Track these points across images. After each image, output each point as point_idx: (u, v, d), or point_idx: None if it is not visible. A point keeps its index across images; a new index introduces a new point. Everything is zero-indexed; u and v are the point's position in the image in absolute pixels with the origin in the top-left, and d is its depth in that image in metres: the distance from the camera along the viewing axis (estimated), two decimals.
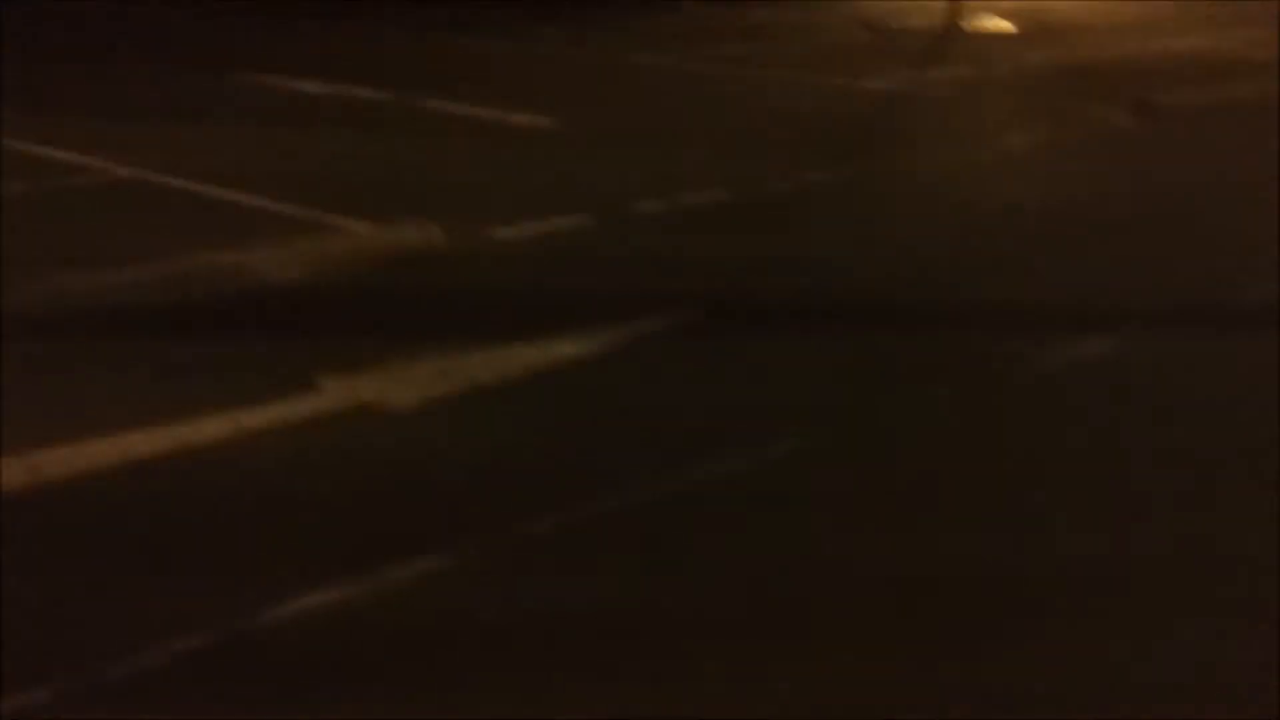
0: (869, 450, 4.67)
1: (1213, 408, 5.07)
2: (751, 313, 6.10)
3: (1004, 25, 17.51)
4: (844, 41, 16.37)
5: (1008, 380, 5.30)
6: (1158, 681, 3.34)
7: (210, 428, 4.64)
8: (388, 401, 4.93)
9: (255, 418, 4.74)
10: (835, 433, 4.79)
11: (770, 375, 5.36)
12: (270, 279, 6.36)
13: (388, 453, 4.59)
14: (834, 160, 9.28)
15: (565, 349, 5.46)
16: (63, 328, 5.74)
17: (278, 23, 18.37)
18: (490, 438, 4.75)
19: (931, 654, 3.44)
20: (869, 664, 3.40)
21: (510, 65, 14.54)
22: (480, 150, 9.60)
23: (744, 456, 4.54)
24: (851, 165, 9.15)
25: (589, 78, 13.76)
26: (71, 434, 4.54)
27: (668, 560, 3.90)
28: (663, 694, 3.27)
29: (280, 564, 3.82)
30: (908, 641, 3.49)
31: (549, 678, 3.32)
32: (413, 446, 4.64)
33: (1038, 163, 9.54)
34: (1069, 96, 12.08)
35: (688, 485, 4.33)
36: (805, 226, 7.66)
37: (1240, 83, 12.65)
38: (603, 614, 3.62)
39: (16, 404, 4.89)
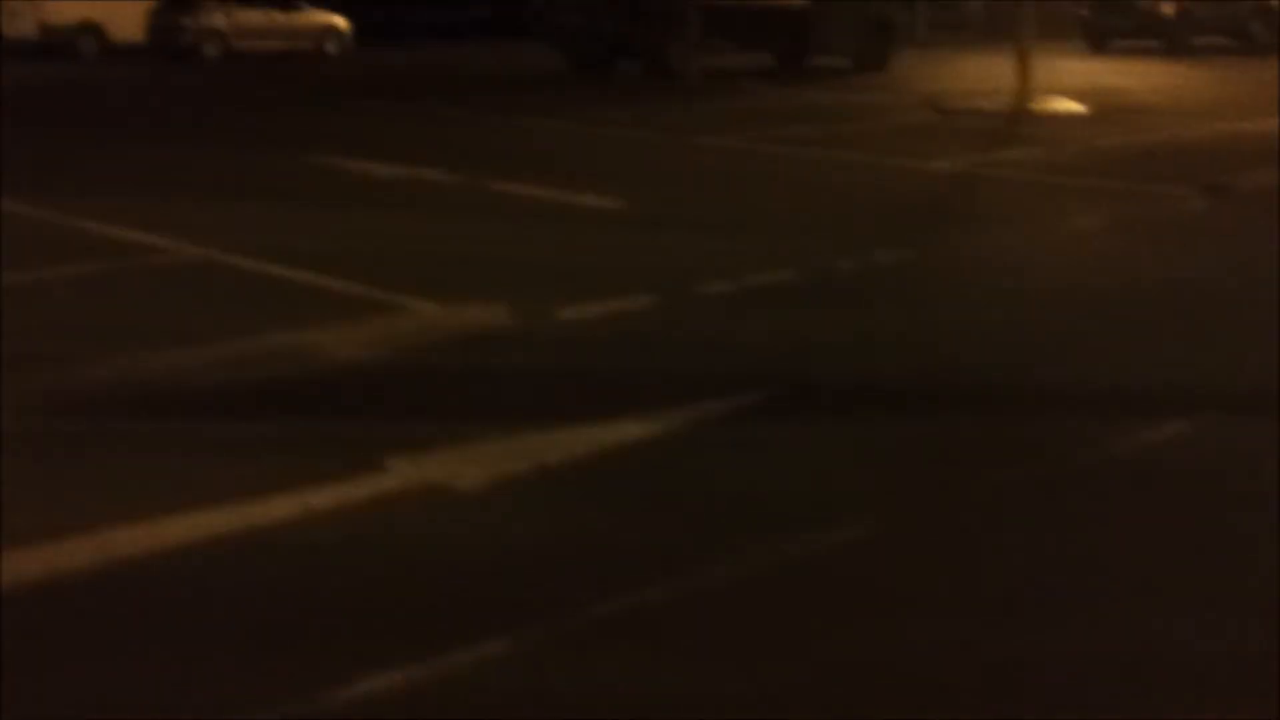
0: (936, 535, 4.60)
1: None
2: (817, 395, 6.06)
3: (1074, 107, 17.46)
4: (911, 123, 16.39)
5: (1079, 464, 5.21)
6: None
7: (277, 507, 4.64)
8: (454, 482, 4.92)
9: (322, 497, 4.74)
10: (901, 517, 4.72)
11: (836, 458, 5.30)
12: (338, 359, 6.39)
13: (454, 533, 4.57)
14: (901, 241, 9.25)
15: (631, 430, 5.43)
16: (132, 407, 5.78)
17: (347, 105, 18.61)
18: (556, 518, 4.72)
19: None
20: None
21: (576, 147, 14.65)
22: (546, 231, 9.65)
23: (808, 541, 4.47)
24: (919, 246, 9.12)
25: (654, 159, 13.84)
26: (139, 512, 4.55)
27: (731, 646, 3.84)
28: None
29: (344, 645, 3.79)
30: None
31: None
32: (478, 527, 4.62)
33: (1109, 245, 9.46)
34: (1140, 178, 12.00)
35: (752, 569, 4.27)
36: (872, 308, 7.62)
37: None
38: (665, 698, 3.57)
39: (86, 482, 4.93)
